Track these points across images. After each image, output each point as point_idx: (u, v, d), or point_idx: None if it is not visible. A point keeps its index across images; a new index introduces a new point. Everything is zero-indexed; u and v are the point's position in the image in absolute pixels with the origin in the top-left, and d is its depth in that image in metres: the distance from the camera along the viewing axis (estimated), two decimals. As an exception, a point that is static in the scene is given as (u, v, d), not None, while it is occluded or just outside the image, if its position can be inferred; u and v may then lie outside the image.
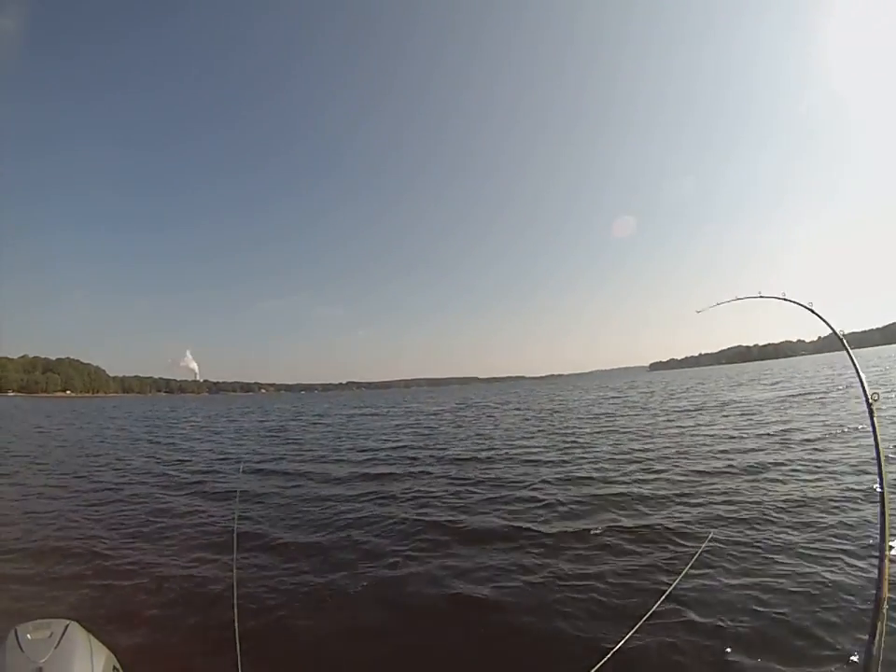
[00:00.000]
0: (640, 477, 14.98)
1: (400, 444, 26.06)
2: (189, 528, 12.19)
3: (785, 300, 4.97)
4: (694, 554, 6.68)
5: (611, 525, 10.88)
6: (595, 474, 15.80)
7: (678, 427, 26.33)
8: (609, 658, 3.25)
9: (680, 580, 5.54)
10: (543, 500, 13.20)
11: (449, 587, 8.31)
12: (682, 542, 9.65)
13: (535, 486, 14.88)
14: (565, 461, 18.44)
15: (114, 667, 3.03)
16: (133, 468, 22.07)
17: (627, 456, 18.42)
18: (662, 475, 15.28)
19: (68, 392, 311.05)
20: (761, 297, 5.24)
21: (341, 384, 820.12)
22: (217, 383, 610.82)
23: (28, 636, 2.84)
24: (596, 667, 3.12)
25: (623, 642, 3.59)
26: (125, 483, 18.16)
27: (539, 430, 28.87)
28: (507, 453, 21.34)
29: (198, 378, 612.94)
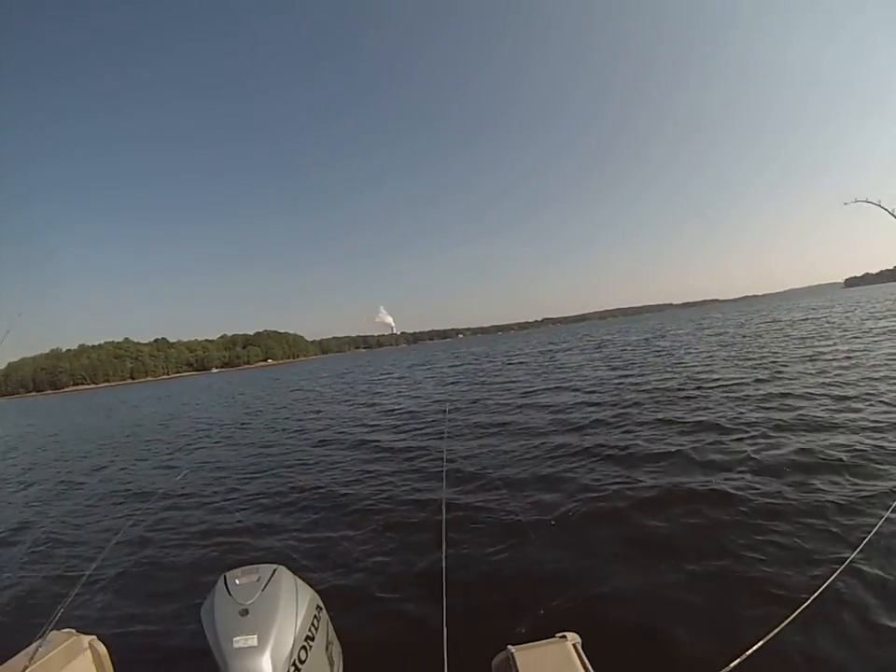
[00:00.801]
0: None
1: (598, 379, 24.50)
2: (398, 472, 12.13)
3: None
4: None
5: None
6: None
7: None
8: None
9: None
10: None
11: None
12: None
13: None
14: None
15: (317, 606, 3.42)
16: (335, 418, 22.79)
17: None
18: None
19: (269, 361, 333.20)
20: None
21: (536, 321, 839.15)
22: (415, 333, 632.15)
23: (237, 580, 3.25)
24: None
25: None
26: (330, 435, 18.48)
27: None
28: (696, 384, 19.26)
29: (395, 331, 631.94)
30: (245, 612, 3.01)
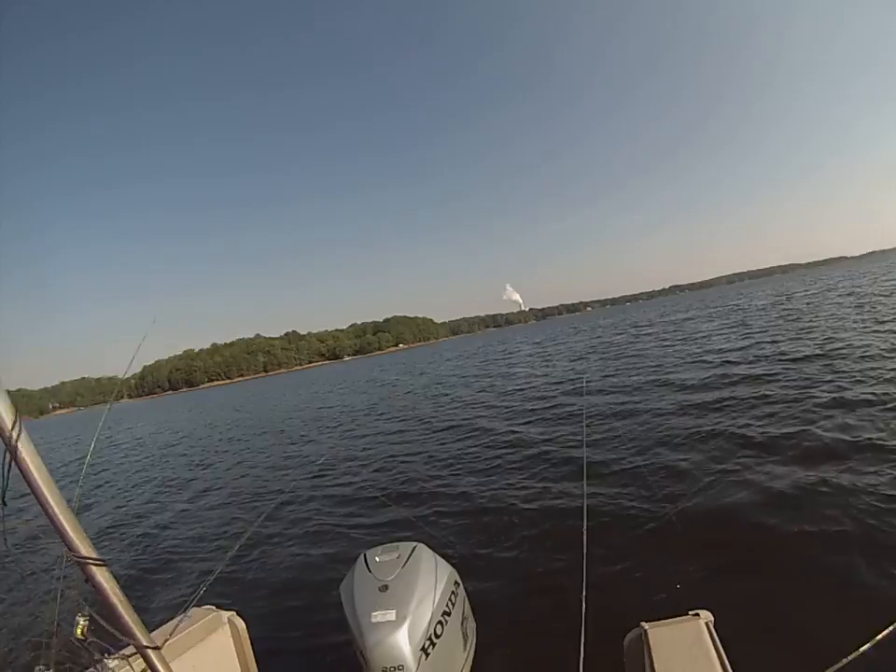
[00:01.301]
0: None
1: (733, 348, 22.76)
2: (537, 453, 11.80)
3: None
4: None
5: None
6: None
7: None
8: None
9: None
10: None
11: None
12: None
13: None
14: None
15: (455, 582, 3.64)
16: (470, 401, 22.52)
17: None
18: None
19: (400, 345, 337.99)
20: None
21: (664, 289, 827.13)
22: (543, 309, 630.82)
23: (377, 558, 3.52)
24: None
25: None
26: (464, 417, 18.44)
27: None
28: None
29: (523, 308, 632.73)
30: (384, 588, 3.22)
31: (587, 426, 12.69)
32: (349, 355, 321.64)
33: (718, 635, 2.75)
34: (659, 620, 2.89)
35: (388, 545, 3.61)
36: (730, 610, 3.53)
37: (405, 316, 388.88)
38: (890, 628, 2.39)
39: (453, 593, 3.48)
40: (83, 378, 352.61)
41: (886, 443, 8.51)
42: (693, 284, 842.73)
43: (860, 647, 2.20)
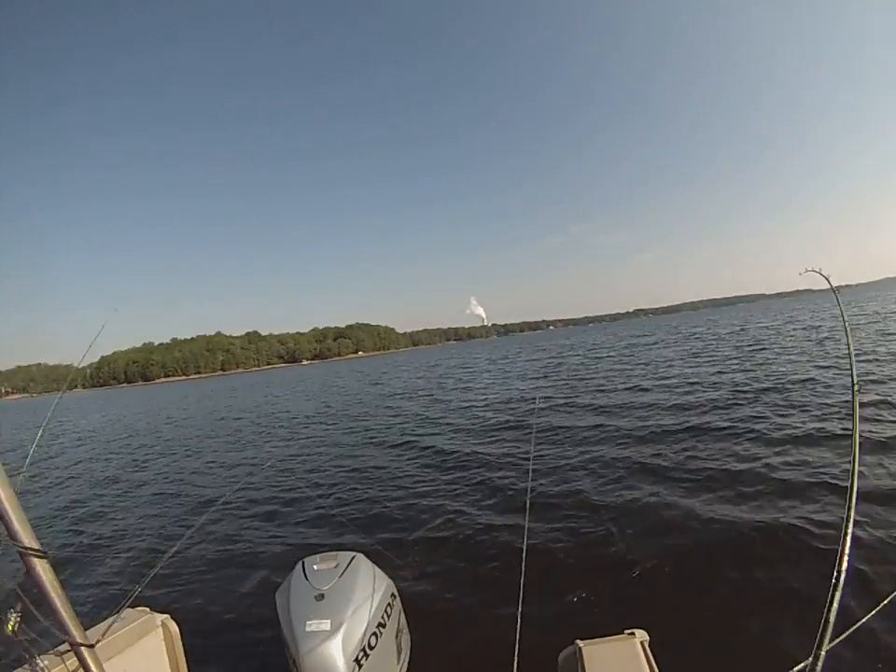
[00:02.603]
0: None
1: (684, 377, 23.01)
2: (483, 470, 11.97)
3: None
4: None
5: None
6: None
7: None
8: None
9: None
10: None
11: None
12: None
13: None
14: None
15: (392, 594, 3.67)
16: (421, 414, 22.46)
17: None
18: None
19: (360, 353, 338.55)
20: None
21: (628, 312, 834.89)
22: (505, 325, 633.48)
23: (314, 566, 3.57)
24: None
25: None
26: (412, 431, 18.37)
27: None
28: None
29: (486, 323, 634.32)
30: (320, 597, 3.26)
31: (534, 445, 12.95)
32: (308, 359, 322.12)
33: (653, 653, 2.81)
34: (594, 638, 2.93)
35: (327, 553, 3.66)
36: (665, 630, 3.60)
37: (367, 324, 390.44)
38: (835, 641, 2.43)
39: (389, 605, 3.53)
40: (39, 364, 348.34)
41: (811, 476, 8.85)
42: (657, 308, 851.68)
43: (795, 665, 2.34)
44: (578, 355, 50.09)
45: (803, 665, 2.31)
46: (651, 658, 2.75)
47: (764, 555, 6.68)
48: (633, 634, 2.93)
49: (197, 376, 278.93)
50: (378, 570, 3.67)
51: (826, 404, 13.55)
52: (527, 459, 11.58)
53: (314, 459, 15.19)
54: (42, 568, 1.94)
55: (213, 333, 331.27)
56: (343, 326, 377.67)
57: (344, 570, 3.47)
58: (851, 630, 2.47)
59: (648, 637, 2.93)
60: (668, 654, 2.94)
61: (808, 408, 13.39)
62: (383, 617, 3.41)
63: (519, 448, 13.41)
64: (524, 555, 3.82)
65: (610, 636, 2.96)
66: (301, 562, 3.62)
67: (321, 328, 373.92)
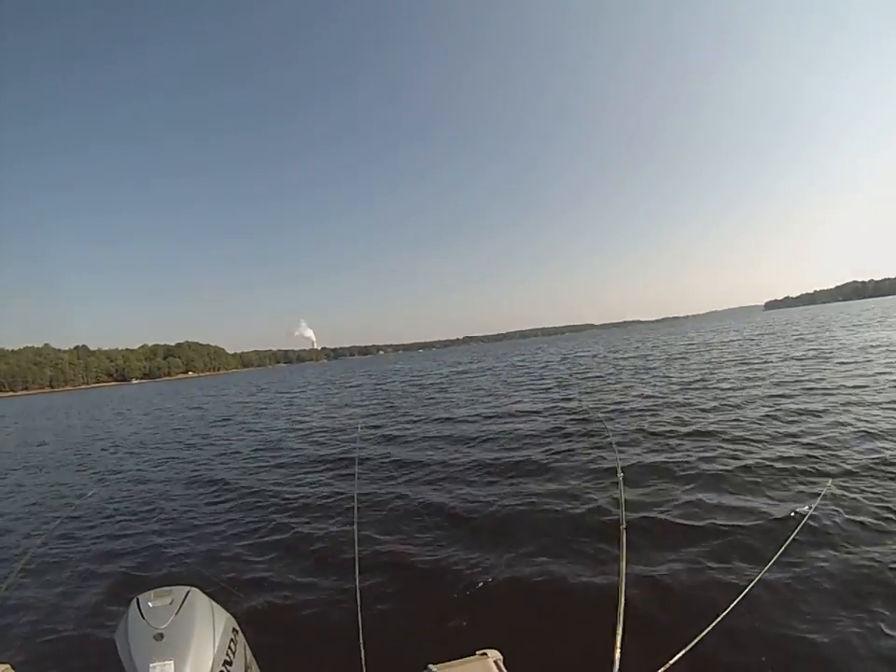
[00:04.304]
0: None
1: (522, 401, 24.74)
2: (309, 491, 12.50)
3: None
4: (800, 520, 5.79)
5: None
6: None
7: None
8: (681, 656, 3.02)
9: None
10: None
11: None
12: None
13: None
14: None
15: (233, 629, 3.46)
16: (240, 438, 23.01)
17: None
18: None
19: (190, 373, 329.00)
20: None
21: (458, 339, 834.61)
22: (336, 349, 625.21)
23: (150, 603, 3.20)
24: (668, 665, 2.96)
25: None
26: (229, 453, 18.99)
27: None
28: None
29: (315, 346, 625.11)
30: (160, 637, 3.02)
31: (358, 464, 12.15)
32: (137, 378, 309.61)
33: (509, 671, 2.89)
34: (447, 661, 2.96)
35: (160, 589, 3.39)
36: (518, 647, 3.61)
37: (197, 343, 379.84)
38: (686, 649, 2.99)
39: (232, 640, 3.40)
40: None
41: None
42: (487, 336, 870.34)
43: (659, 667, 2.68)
44: (405, 381, 50.28)
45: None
46: None
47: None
48: (485, 654, 3.00)
49: (25, 393, 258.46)
50: (215, 605, 3.51)
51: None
52: (352, 485, 11.06)
53: (140, 487, 14.94)
54: None
55: (41, 345, 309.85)
56: (174, 344, 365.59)
57: (181, 606, 3.26)
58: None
59: (501, 657, 3.03)
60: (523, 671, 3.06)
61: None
62: (227, 654, 3.27)
63: (342, 471, 13.91)
64: (356, 579, 4.17)
65: (463, 657, 3.01)
66: (136, 599, 3.32)
67: (150, 344, 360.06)
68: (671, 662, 2.87)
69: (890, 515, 7.65)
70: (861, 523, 7.48)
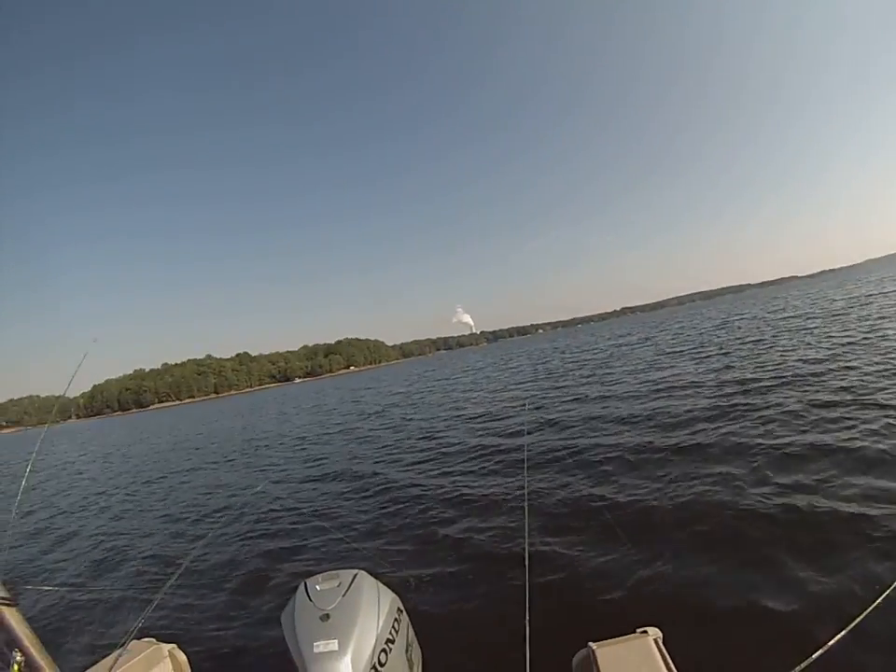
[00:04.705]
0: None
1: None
2: (477, 479, 11.94)
3: None
4: None
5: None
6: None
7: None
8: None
9: None
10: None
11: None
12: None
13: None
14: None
15: (398, 609, 3.46)
16: (407, 428, 22.32)
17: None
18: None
19: (351, 368, 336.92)
20: None
21: (615, 311, 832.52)
22: (494, 331, 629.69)
23: (317, 587, 3.32)
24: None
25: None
26: (396, 444, 18.62)
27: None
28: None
29: (474, 330, 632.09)
30: (325, 617, 3.08)
31: (527, 443, 13.05)
32: (300, 377, 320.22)
33: (668, 650, 2.74)
34: (607, 639, 2.85)
35: (329, 573, 3.45)
36: (678, 626, 3.59)
37: (356, 338, 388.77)
38: (843, 632, 2.62)
39: (396, 619, 3.36)
40: (31, 396, 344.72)
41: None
42: (644, 305, 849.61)
43: (803, 661, 2.38)
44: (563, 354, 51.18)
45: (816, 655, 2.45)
46: (667, 655, 2.71)
47: (758, 542, 6.71)
48: (646, 632, 2.87)
49: (191, 400, 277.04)
50: (381, 585, 3.50)
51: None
52: (521, 459, 11.67)
53: (306, 480, 15.02)
54: (11, 617, 1.92)
55: (203, 356, 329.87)
56: (333, 342, 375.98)
57: (348, 588, 3.30)
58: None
59: (661, 635, 2.89)
60: (682, 651, 2.87)
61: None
62: (391, 633, 3.24)
63: (510, 456, 13.22)
64: (526, 559, 3.89)
65: (623, 636, 2.89)
66: (303, 583, 3.41)
67: (311, 345, 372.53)
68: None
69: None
70: None
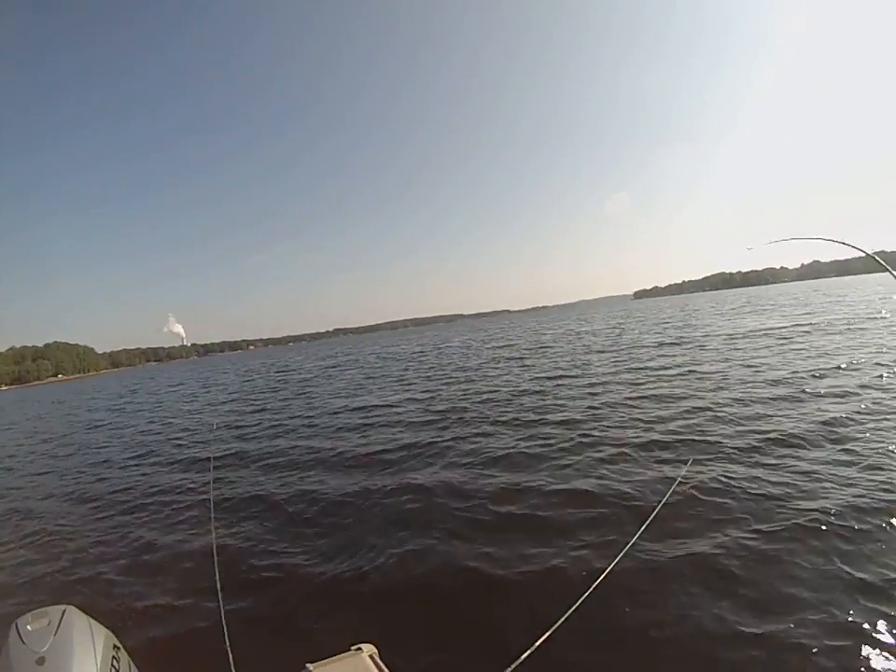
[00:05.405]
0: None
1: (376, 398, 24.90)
2: (165, 498, 12.41)
3: (844, 244, 5.37)
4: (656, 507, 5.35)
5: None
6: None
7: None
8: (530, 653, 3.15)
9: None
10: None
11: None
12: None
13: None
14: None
15: (114, 645, 3.28)
16: (95, 446, 22.93)
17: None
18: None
19: (60, 376, 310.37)
20: (819, 239, 5.53)
21: (328, 331, 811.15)
22: (205, 345, 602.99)
23: (28, 626, 3.02)
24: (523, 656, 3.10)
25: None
26: (90, 461, 19.01)
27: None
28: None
29: (185, 342, 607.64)
30: (41, 661, 2.85)
31: (213, 467, 13.25)
32: (7, 384, 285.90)
33: (385, 664, 2.97)
34: (323, 659, 2.99)
35: (37, 611, 3.19)
36: (391, 640, 3.80)
37: (66, 343, 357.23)
38: (561, 620, 3.26)
39: (114, 658, 3.20)
40: None
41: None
42: (358, 328, 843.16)
43: (524, 651, 2.95)
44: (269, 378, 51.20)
45: (525, 654, 2.97)
46: (385, 669, 2.92)
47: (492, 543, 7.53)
48: (360, 649, 3.07)
49: None
50: (94, 622, 3.32)
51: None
52: (206, 489, 11.97)
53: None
54: None
55: None
56: (42, 345, 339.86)
57: (58, 627, 3.06)
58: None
59: (376, 650, 3.12)
60: (401, 662, 3.14)
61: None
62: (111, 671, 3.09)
63: (196, 476, 13.93)
64: (217, 583, 4.09)
65: (339, 654, 3.05)
66: (14, 624, 3.10)
67: (19, 346, 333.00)
68: (518, 661, 3.02)
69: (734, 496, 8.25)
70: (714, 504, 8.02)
